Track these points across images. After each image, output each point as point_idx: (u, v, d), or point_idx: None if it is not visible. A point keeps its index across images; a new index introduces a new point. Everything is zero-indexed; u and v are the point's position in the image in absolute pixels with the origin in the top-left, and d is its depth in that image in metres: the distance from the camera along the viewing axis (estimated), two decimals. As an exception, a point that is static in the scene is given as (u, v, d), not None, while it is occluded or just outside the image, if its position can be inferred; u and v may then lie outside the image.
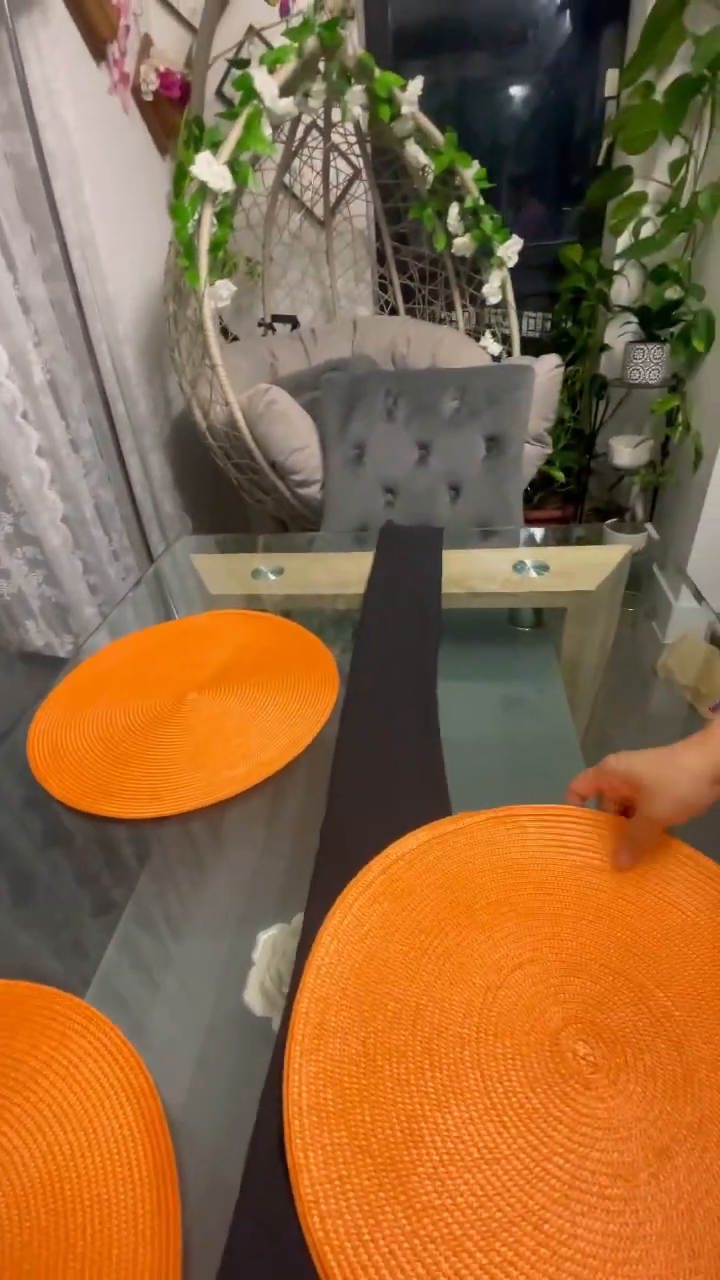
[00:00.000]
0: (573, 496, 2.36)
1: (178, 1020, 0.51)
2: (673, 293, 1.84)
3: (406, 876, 0.51)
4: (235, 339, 2.09)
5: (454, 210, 1.73)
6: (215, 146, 1.33)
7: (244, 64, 1.87)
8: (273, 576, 1.07)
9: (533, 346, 2.18)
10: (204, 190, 1.32)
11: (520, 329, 2.11)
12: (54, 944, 0.56)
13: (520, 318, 2.16)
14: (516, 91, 2.10)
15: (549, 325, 2.19)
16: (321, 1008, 0.43)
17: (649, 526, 1.83)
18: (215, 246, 1.36)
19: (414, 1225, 0.33)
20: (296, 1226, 0.34)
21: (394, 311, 2.13)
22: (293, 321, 2.12)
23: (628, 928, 0.46)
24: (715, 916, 0.47)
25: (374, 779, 0.62)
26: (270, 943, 0.56)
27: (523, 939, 0.46)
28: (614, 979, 0.43)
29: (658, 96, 1.74)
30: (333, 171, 1.97)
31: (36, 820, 0.66)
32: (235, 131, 1.32)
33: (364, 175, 1.95)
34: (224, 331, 2.05)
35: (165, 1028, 0.50)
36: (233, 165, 1.33)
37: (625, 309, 1.93)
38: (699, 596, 0.90)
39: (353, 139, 1.87)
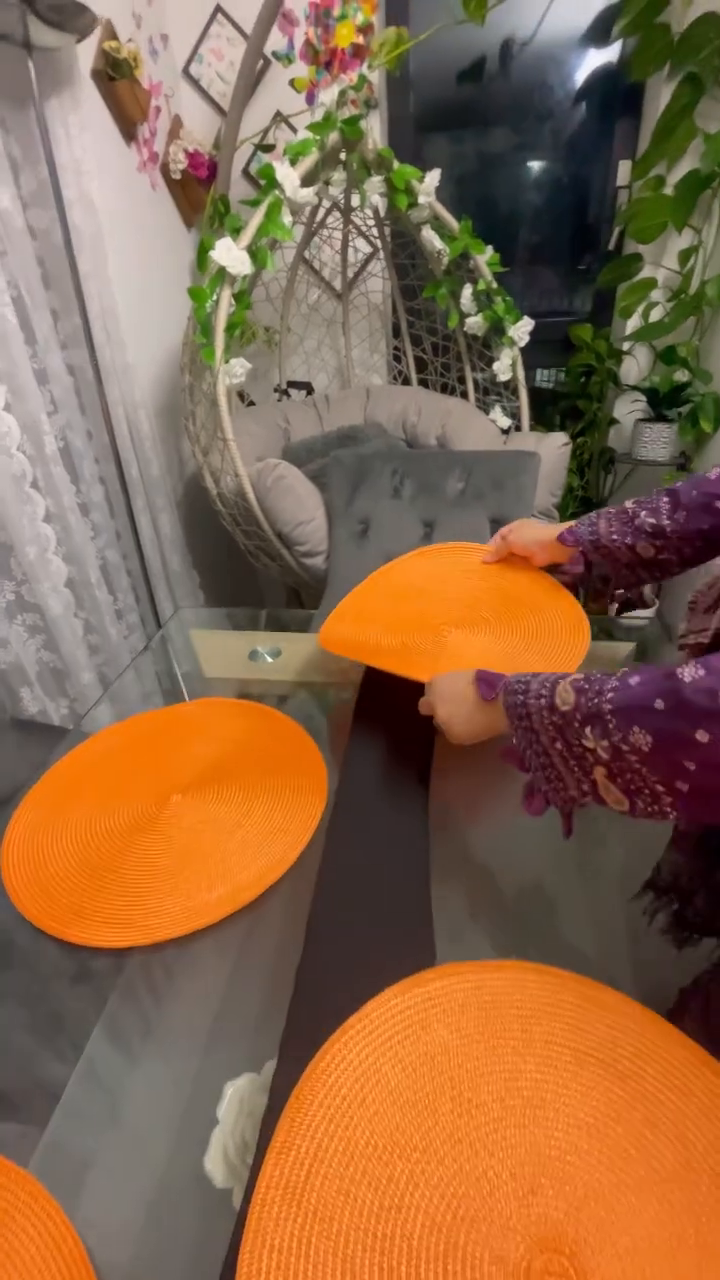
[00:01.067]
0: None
1: (131, 1185, 0.48)
2: (681, 375, 1.87)
3: (383, 1042, 0.48)
4: (251, 403, 2.14)
5: (467, 291, 1.78)
6: (236, 232, 1.38)
7: (269, 148, 1.96)
8: (269, 659, 1.06)
9: (546, 398, 2.21)
10: (223, 274, 1.36)
11: (530, 380, 2.14)
12: (4, 1088, 0.54)
13: (533, 372, 2.20)
14: (534, 174, 2.17)
15: (563, 376, 2.22)
16: (281, 1200, 0.40)
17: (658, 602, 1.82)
18: (231, 327, 1.40)
19: None
20: None
21: (407, 381, 2.17)
22: (308, 387, 2.17)
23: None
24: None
25: (356, 917, 0.60)
26: (238, 1096, 0.52)
27: (503, 1117, 0.43)
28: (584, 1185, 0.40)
29: (668, 190, 1.79)
30: (351, 250, 2.03)
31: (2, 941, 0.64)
32: (256, 219, 1.37)
33: (381, 255, 2.01)
34: (240, 395, 2.10)
35: (117, 1195, 0.47)
36: (252, 250, 1.38)
37: (634, 388, 1.96)
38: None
39: (371, 221, 1.93)
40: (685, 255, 1.84)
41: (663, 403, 1.86)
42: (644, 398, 1.92)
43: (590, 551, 0.81)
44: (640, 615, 1.09)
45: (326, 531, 1.45)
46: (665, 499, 0.74)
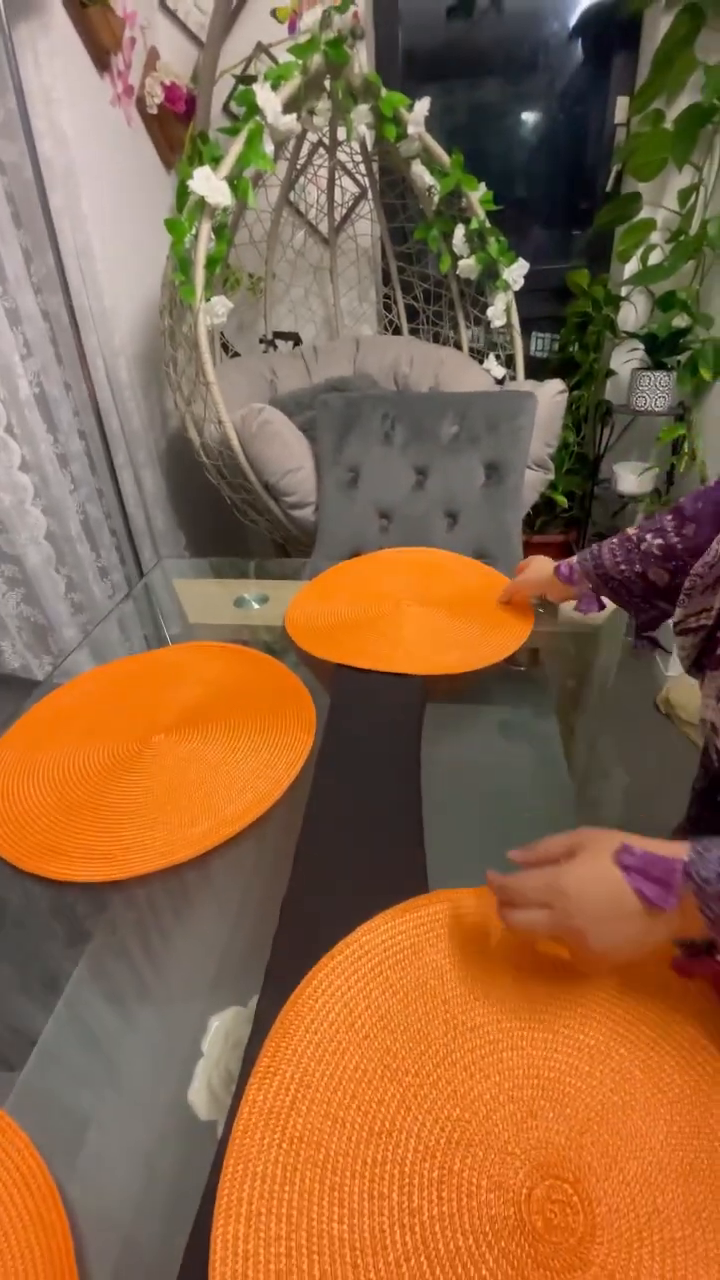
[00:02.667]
0: (575, 522, 2.32)
1: (115, 1119, 0.46)
2: (680, 321, 1.81)
3: (373, 968, 0.46)
4: (236, 355, 2.06)
5: (459, 232, 1.70)
6: (216, 161, 1.30)
7: (250, 80, 1.86)
8: (256, 606, 1.02)
9: (540, 368, 2.15)
10: (201, 205, 1.29)
11: (528, 350, 2.08)
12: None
13: (529, 338, 2.13)
14: (527, 116, 2.08)
15: (557, 347, 2.16)
16: (263, 1125, 0.38)
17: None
18: (212, 262, 1.33)
19: None
20: None
21: (397, 331, 2.10)
22: (295, 338, 2.09)
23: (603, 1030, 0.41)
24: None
25: (344, 851, 0.57)
26: (223, 1030, 0.50)
27: (499, 1040, 0.41)
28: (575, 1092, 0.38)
29: (668, 125, 1.72)
30: (338, 190, 1.94)
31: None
32: (236, 147, 1.30)
33: (369, 195, 1.93)
34: (224, 347, 2.02)
35: (98, 1131, 0.45)
36: (233, 181, 1.30)
37: (632, 335, 1.90)
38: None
39: (359, 158, 1.85)
40: (685, 194, 1.76)
41: (661, 350, 1.80)
42: (641, 346, 1.86)
43: (599, 585, 0.74)
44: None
45: (315, 481, 1.40)
46: (668, 516, 0.67)
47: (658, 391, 1.83)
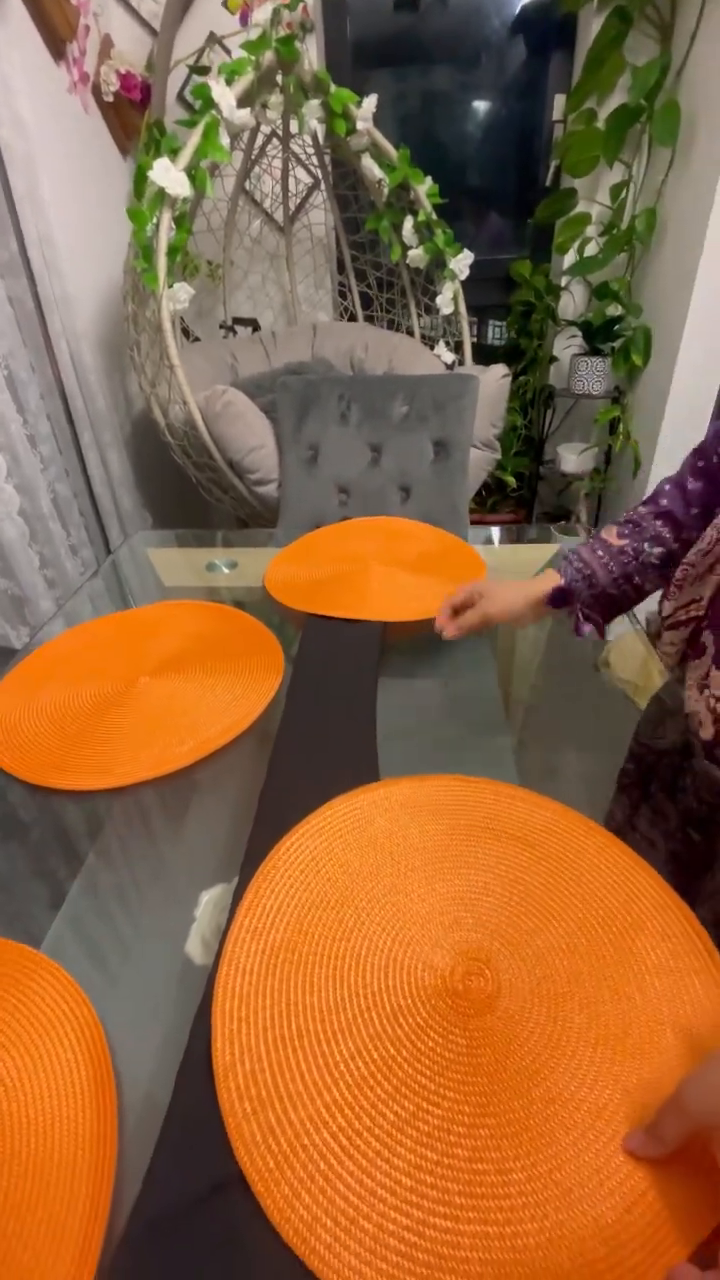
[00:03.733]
0: (524, 501, 2.46)
1: (123, 969, 0.55)
2: (614, 309, 1.95)
3: (334, 831, 0.57)
4: (196, 340, 2.12)
5: (408, 223, 1.80)
6: (174, 153, 1.37)
7: (204, 71, 1.91)
8: (226, 570, 1.11)
9: (492, 354, 2.27)
10: (162, 196, 1.35)
11: (482, 337, 2.20)
12: (8, 908, 0.60)
13: (486, 326, 2.25)
14: (473, 108, 2.18)
15: (513, 334, 2.28)
16: (250, 938, 0.48)
17: (592, 530, 1.92)
18: (173, 251, 1.40)
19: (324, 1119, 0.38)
20: (219, 1125, 0.39)
21: (353, 318, 2.19)
22: (254, 324, 2.17)
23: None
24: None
25: (311, 759, 0.67)
26: (211, 901, 0.60)
27: (433, 876, 0.52)
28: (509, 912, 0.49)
29: (599, 124, 1.84)
30: (292, 180, 2.02)
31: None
32: (193, 139, 1.37)
33: (322, 185, 2.01)
34: (185, 332, 2.08)
35: (111, 975, 0.54)
36: (191, 172, 1.37)
37: (571, 323, 2.03)
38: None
39: (311, 150, 1.92)
40: (616, 190, 1.89)
41: (597, 337, 1.94)
42: (579, 333, 1.99)
43: (590, 606, 0.68)
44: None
45: (277, 459, 1.49)
46: (659, 523, 0.64)
47: (595, 376, 1.97)
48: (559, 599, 0.69)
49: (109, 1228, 0.36)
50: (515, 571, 1.07)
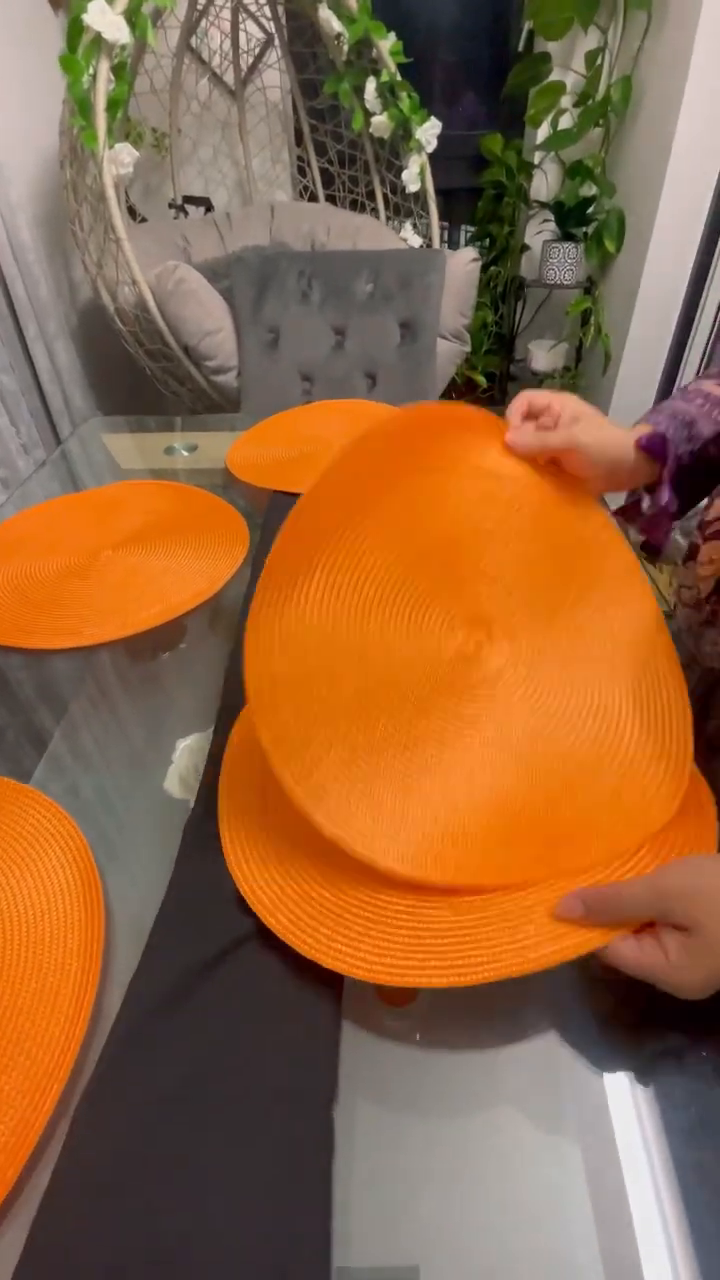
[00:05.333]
0: (496, 401, 2.41)
1: (105, 805, 0.57)
2: (588, 189, 1.85)
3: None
4: (144, 220, 1.97)
5: (371, 86, 1.66)
6: (109, -11, 1.22)
7: None
8: (186, 454, 1.08)
9: (455, 243, 2.16)
10: (98, 42, 1.22)
11: (454, 239, 2.08)
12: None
13: (456, 224, 2.13)
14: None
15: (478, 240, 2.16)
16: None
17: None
18: (113, 105, 1.27)
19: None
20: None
21: (313, 197, 2.05)
22: (206, 204, 2.01)
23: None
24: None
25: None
26: (188, 747, 0.62)
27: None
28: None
29: (576, -25, 1.69)
30: (243, 36, 1.83)
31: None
32: (130, -28, 1.22)
33: (277, 42, 1.83)
34: (131, 211, 1.92)
35: (96, 807, 0.56)
36: (130, 17, 1.23)
37: (543, 205, 1.94)
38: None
39: (264, 0, 1.74)
40: (592, 57, 1.77)
41: (569, 220, 1.85)
42: (552, 216, 1.90)
43: (685, 468, 0.51)
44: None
45: (235, 345, 1.42)
46: None
47: (567, 264, 1.90)
48: (656, 446, 0.50)
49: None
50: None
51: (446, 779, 0.44)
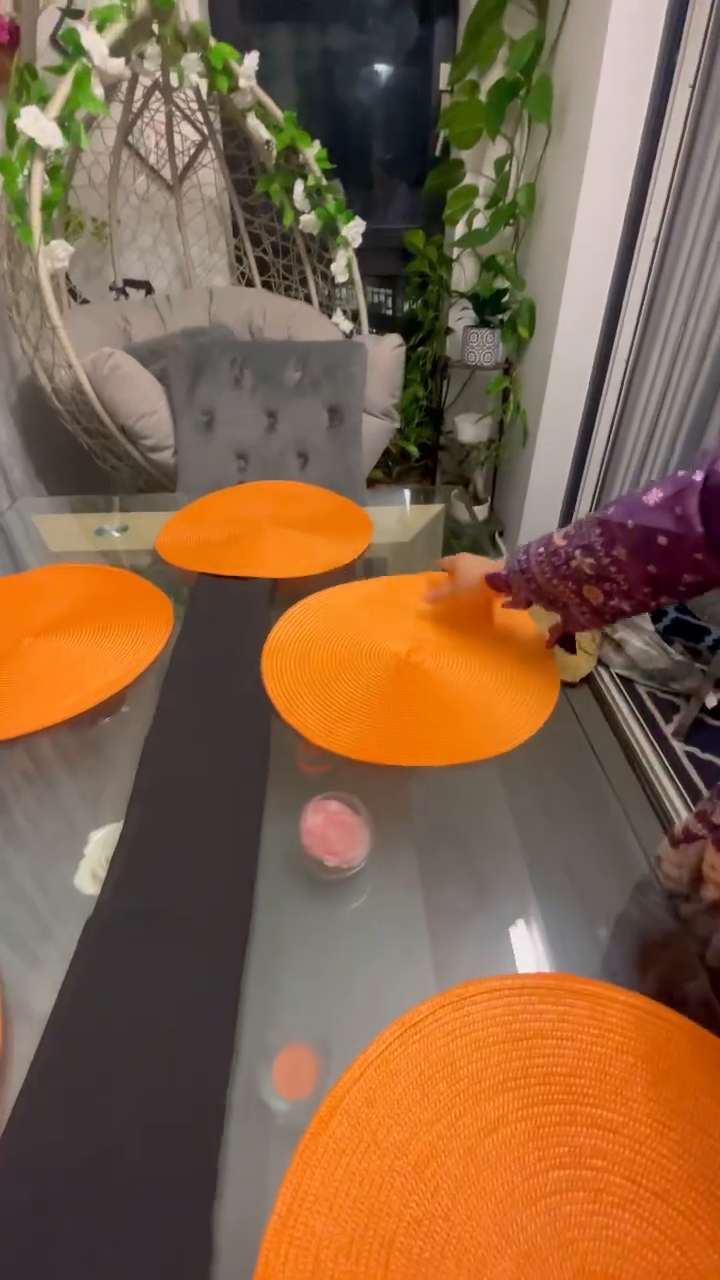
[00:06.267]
0: (428, 471, 2.53)
1: (13, 903, 0.57)
2: (501, 282, 2.02)
3: None
4: (85, 301, 2.04)
5: (299, 188, 1.79)
6: (44, 101, 1.31)
7: (78, 14, 1.82)
8: (116, 534, 1.11)
9: (387, 324, 2.30)
10: (32, 146, 1.30)
11: (392, 308, 2.21)
12: None
13: (391, 296, 2.26)
14: (364, 72, 2.17)
15: (403, 307, 2.32)
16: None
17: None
18: (48, 204, 1.34)
19: None
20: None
21: (250, 283, 2.16)
22: (146, 287, 2.10)
23: None
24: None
25: (199, 703, 0.71)
26: (102, 840, 0.63)
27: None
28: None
29: (482, 96, 1.88)
30: (179, 137, 1.96)
31: None
32: (64, 88, 1.31)
33: (210, 144, 1.96)
34: (71, 293, 2.00)
35: (3, 910, 0.56)
36: (63, 122, 1.32)
37: (462, 295, 2.09)
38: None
39: (195, 105, 1.87)
40: (500, 164, 1.95)
41: (486, 309, 2.01)
42: (470, 304, 2.05)
43: (532, 595, 0.71)
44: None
45: (172, 425, 1.47)
46: (597, 530, 0.60)
47: (486, 347, 2.04)
48: (497, 582, 0.76)
49: None
50: (400, 532, 1.13)
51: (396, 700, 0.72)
